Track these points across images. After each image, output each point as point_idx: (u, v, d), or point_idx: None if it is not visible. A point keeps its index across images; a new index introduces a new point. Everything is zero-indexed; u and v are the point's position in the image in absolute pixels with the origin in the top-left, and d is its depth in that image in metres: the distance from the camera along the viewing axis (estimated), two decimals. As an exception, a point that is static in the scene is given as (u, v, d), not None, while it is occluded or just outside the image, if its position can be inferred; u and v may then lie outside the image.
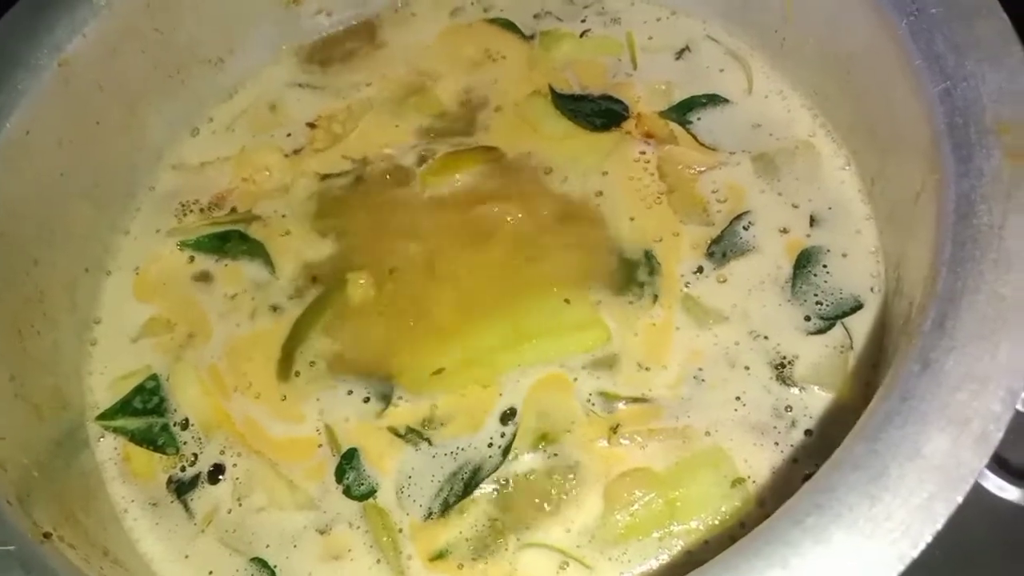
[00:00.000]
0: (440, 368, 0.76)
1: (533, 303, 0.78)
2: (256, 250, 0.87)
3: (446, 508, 0.72)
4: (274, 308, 0.84)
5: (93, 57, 0.84)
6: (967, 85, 0.62)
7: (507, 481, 0.72)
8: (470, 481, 0.72)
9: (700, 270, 0.78)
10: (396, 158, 0.90)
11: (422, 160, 0.89)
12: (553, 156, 0.87)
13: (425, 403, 0.76)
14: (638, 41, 0.93)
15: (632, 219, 0.82)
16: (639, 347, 0.76)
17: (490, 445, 0.73)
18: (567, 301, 0.77)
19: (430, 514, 0.72)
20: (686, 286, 0.78)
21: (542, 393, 0.75)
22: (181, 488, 0.77)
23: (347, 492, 0.74)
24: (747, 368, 0.74)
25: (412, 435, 0.75)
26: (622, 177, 0.84)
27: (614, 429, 0.72)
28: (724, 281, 0.78)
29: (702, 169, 0.83)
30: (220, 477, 0.77)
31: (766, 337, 0.75)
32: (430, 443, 0.74)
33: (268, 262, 0.86)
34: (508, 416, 0.74)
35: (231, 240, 0.88)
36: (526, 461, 0.72)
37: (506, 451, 0.73)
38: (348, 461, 0.75)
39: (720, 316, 0.76)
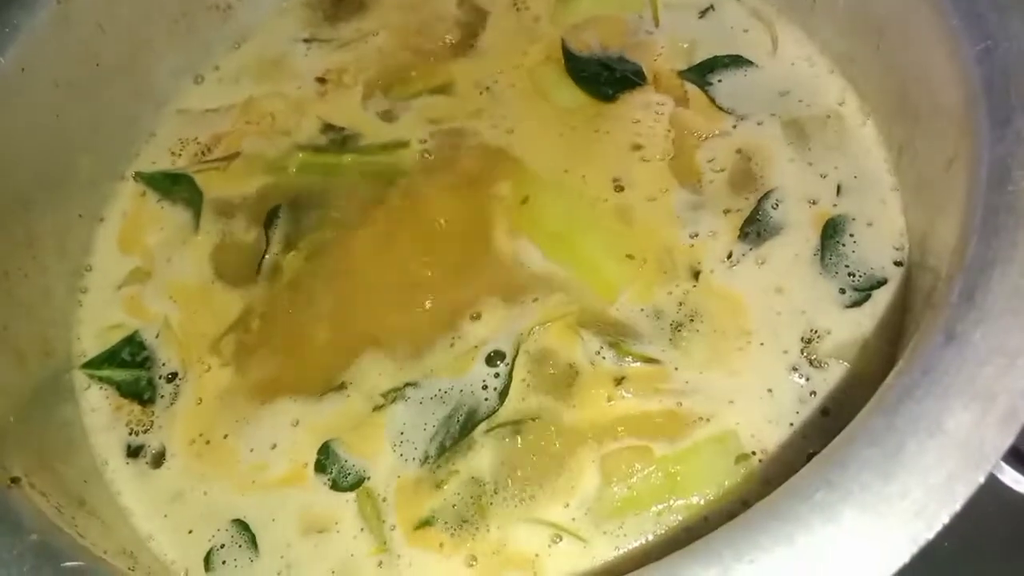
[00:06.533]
0: None
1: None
2: (194, 200, 0.85)
3: (442, 451, 0.69)
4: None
5: (93, -5, 0.81)
6: (1009, 45, 0.59)
7: (498, 438, 0.69)
8: (466, 424, 0.69)
9: (730, 255, 0.74)
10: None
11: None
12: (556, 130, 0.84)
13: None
14: (661, -3, 0.89)
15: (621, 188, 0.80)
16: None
17: (484, 387, 0.71)
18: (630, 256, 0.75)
19: (427, 458, 0.69)
20: (725, 266, 0.74)
21: (545, 337, 0.72)
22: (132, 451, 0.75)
23: (334, 486, 0.70)
24: (785, 352, 0.70)
25: (392, 392, 0.72)
26: (624, 126, 0.82)
27: (618, 381, 0.69)
28: (763, 263, 0.74)
29: (704, 136, 0.80)
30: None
31: (803, 312, 0.71)
32: (416, 386, 0.72)
33: (196, 215, 0.84)
34: (496, 358, 0.71)
35: (180, 183, 0.86)
36: (520, 412, 0.69)
37: (503, 394, 0.70)
38: (324, 456, 0.71)
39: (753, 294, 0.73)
